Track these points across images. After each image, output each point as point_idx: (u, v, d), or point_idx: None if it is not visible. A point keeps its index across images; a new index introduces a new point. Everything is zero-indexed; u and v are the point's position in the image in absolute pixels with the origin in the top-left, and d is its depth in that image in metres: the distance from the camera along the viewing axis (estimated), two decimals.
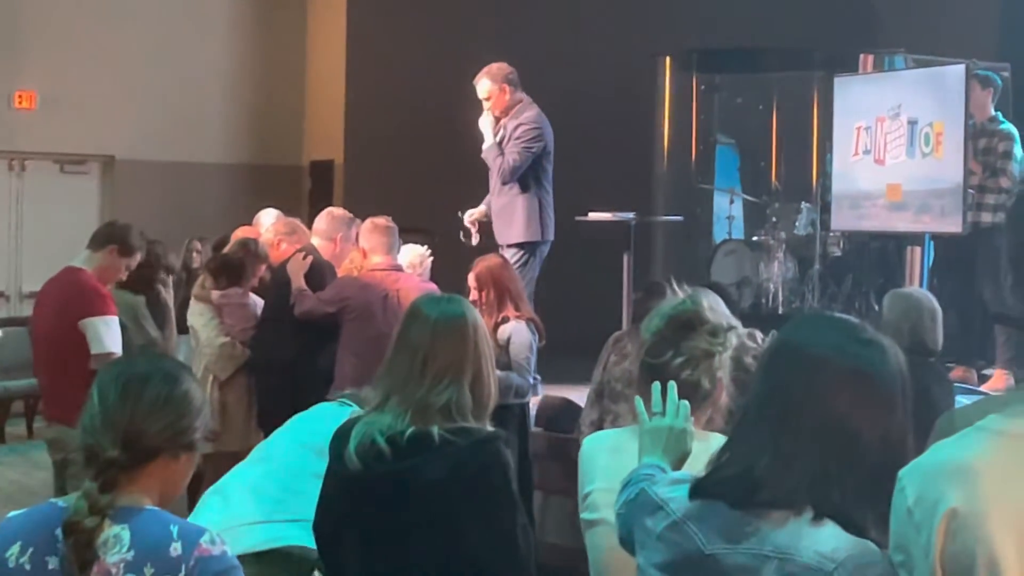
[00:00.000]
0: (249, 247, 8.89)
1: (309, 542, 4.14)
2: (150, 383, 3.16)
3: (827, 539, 2.62)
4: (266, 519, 4.43)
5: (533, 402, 9.15)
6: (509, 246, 9.56)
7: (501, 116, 9.64)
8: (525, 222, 9.54)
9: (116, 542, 3.00)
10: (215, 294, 8.64)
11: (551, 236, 9.67)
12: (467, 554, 3.77)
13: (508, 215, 9.60)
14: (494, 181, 9.68)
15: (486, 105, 9.65)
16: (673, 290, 3.96)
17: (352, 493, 3.85)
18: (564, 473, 8.20)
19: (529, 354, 7.92)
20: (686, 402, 3.32)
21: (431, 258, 9.31)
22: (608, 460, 3.82)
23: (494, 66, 9.65)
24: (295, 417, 5.10)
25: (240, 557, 3.14)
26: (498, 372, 4.04)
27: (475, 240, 9.78)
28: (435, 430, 3.76)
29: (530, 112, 9.57)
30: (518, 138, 9.49)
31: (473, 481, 3.77)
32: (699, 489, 2.81)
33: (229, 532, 3.87)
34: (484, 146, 9.64)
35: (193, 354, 8.83)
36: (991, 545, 2.16)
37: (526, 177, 9.54)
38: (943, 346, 7.01)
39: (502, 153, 9.52)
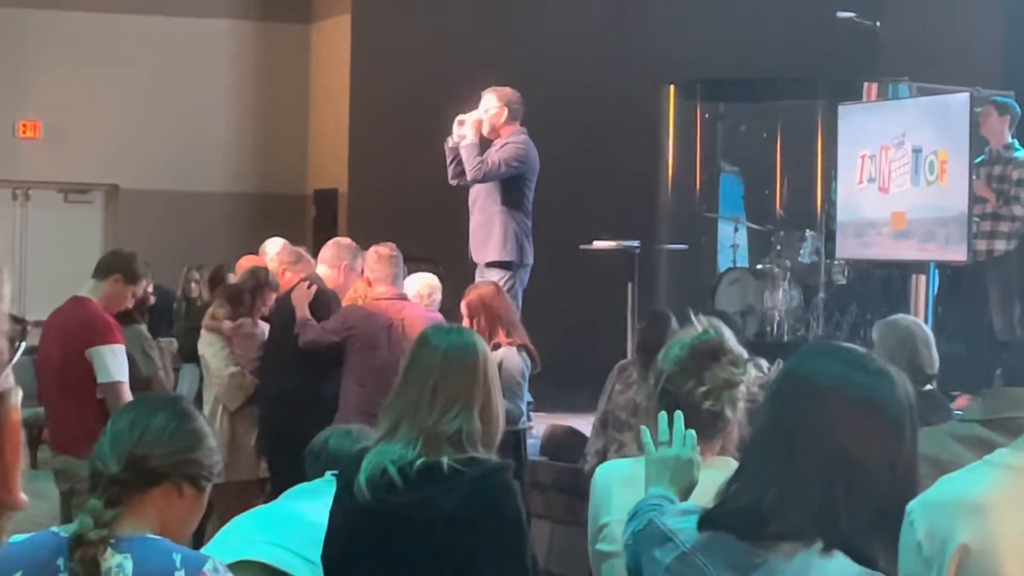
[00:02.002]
0: (260, 276, 8.86)
1: (285, 562, 4.14)
2: (160, 414, 3.22)
3: (837, 571, 2.60)
4: (243, 539, 4.43)
5: (534, 430, 9.15)
6: (488, 266, 9.56)
7: (489, 134, 9.65)
8: (501, 241, 9.52)
9: (119, 571, 3.01)
10: (227, 324, 8.62)
11: (530, 260, 9.64)
12: None
13: (484, 233, 9.60)
14: (472, 197, 9.70)
15: (484, 116, 9.67)
16: (688, 319, 3.95)
17: (362, 525, 3.83)
18: (569, 503, 8.20)
19: (520, 380, 7.92)
20: (692, 431, 3.30)
21: (439, 287, 9.25)
22: (624, 491, 3.79)
23: (506, 89, 9.71)
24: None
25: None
26: None
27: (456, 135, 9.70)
28: (445, 461, 3.75)
29: (521, 136, 9.60)
30: (503, 151, 9.51)
31: (485, 512, 3.76)
32: (707, 521, 2.79)
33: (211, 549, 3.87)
34: (464, 142, 9.61)
35: (203, 384, 8.82)
36: None
37: (505, 198, 9.54)
38: (950, 374, 6.96)
39: (481, 155, 9.52)
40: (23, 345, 1.27)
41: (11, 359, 1.19)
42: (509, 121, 9.63)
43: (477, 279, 9.39)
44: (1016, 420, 4.26)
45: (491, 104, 9.64)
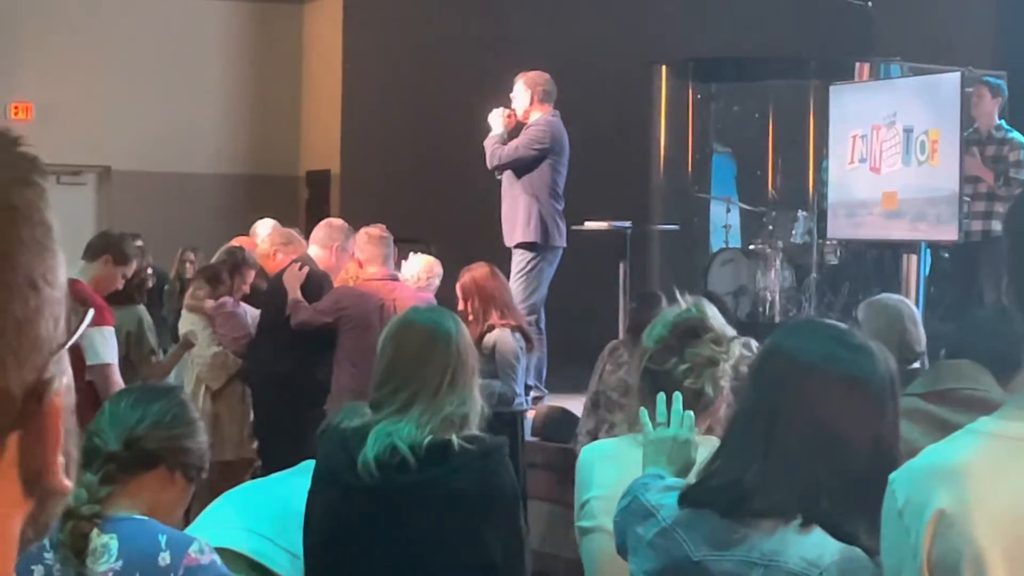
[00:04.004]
0: (237, 255, 8.88)
1: (264, 555, 4.15)
2: (160, 401, 3.28)
3: (814, 545, 2.63)
4: (226, 524, 4.41)
5: (531, 412, 9.17)
6: (516, 248, 9.63)
7: (521, 119, 9.75)
8: (525, 222, 9.60)
9: (104, 551, 3.02)
10: (208, 304, 8.63)
11: (559, 243, 9.72)
12: (486, 560, 3.77)
13: (512, 216, 9.70)
14: (503, 185, 9.77)
15: (514, 104, 9.78)
16: (677, 299, 3.95)
17: (367, 505, 3.80)
18: (559, 482, 8.21)
19: (514, 362, 7.91)
20: (690, 412, 3.31)
21: (440, 272, 9.23)
22: (605, 468, 3.83)
23: (534, 73, 9.87)
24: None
25: None
26: (481, 380, 4.06)
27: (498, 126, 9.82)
28: (454, 439, 3.76)
29: (547, 118, 9.67)
30: (523, 137, 9.60)
31: (493, 488, 3.79)
32: (688, 497, 2.81)
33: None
34: (491, 133, 9.74)
35: (185, 364, 8.82)
36: (978, 547, 2.17)
37: (529, 181, 9.60)
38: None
39: (503, 143, 9.61)
40: (88, 319, 1.28)
41: (67, 341, 1.20)
42: (538, 104, 9.72)
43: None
44: (957, 391, 4.37)
45: (518, 91, 9.82)
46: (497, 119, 9.77)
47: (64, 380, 1.20)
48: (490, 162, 9.67)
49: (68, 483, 1.19)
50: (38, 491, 1.18)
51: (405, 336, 3.97)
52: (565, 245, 9.82)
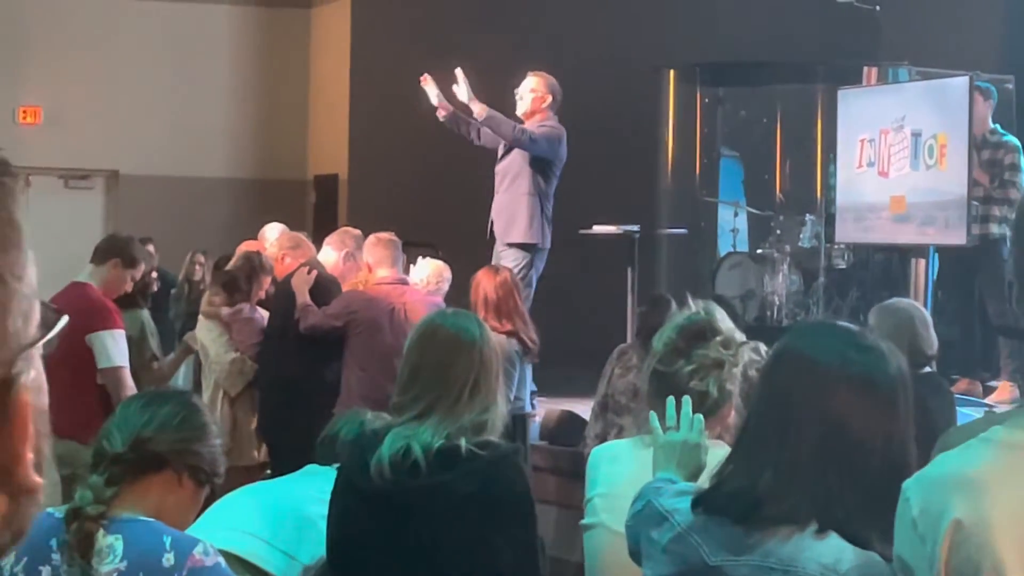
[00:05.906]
0: (253, 260, 8.88)
1: (260, 556, 4.15)
2: (171, 404, 3.29)
3: (830, 551, 2.62)
4: (224, 525, 4.43)
5: (538, 415, 9.17)
6: (509, 246, 9.58)
7: (524, 115, 9.71)
8: (528, 222, 9.55)
9: (109, 552, 3.04)
10: (224, 310, 8.62)
11: (548, 244, 9.68)
12: (494, 567, 3.77)
13: (510, 214, 9.62)
14: (500, 176, 9.72)
15: (518, 97, 9.73)
16: (687, 303, 3.96)
17: (376, 508, 3.81)
18: (567, 486, 8.22)
19: (509, 367, 7.89)
20: (700, 416, 3.31)
21: (449, 277, 9.23)
22: (610, 468, 3.91)
23: (554, 80, 9.79)
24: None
25: None
26: None
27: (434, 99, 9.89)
28: (463, 443, 3.76)
29: (557, 124, 9.65)
30: (541, 131, 9.56)
31: (503, 494, 3.79)
32: (701, 503, 2.81)
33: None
34: (477, 109, 9.64)
35: (203, 370, 8.83)
36: (996, 557, 2.16)
37: (534, 181, 9.58)
38: (947, 358, 6.96)
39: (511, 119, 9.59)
40: (62, 324, 1.27)
41: (34, 343, 1.19)
42: (545, 111, 9.68)
43: (494, 257, 9.46)
44: None
45: (538, 86, 9.70)
46: (464, 86, 9.72)
47: (32, 375, 1.20)
48: (516, 134, 9.45)
49: (39, 479, 1.19)
50: (9, 487, 1.17)
51: (430, 342, 3.95)
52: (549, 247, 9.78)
